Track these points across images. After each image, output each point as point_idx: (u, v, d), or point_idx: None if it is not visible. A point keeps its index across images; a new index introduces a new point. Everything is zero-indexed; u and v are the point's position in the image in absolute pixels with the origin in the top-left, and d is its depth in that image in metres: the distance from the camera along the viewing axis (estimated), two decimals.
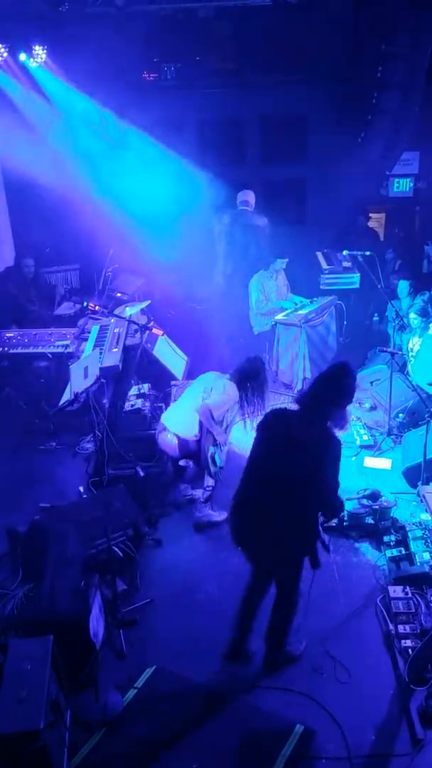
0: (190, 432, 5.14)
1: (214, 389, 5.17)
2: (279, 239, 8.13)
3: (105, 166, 8.93)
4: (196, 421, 5.11)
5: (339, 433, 3.65)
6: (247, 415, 5.25)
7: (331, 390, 3.65)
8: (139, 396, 6.28)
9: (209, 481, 5.37)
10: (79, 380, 5.36)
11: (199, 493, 5.44)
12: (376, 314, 8.43)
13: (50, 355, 6.73)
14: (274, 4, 7.22)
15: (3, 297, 7.66)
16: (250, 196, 8.57)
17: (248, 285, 7.65)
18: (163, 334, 6.75)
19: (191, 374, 6.49)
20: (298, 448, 3.57)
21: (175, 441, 5.19)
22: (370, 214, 10.14)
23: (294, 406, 3.74)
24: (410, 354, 6.74)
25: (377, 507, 5.18)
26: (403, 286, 7.64)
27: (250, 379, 5.17)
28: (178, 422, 5.21)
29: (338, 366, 3.80)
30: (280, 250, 7.65)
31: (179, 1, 7.73)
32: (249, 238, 8.40)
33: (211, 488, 5.39)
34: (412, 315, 6.83)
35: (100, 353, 5.97)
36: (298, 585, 3.93)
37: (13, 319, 7.51)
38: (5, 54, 7.45)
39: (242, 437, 6.58)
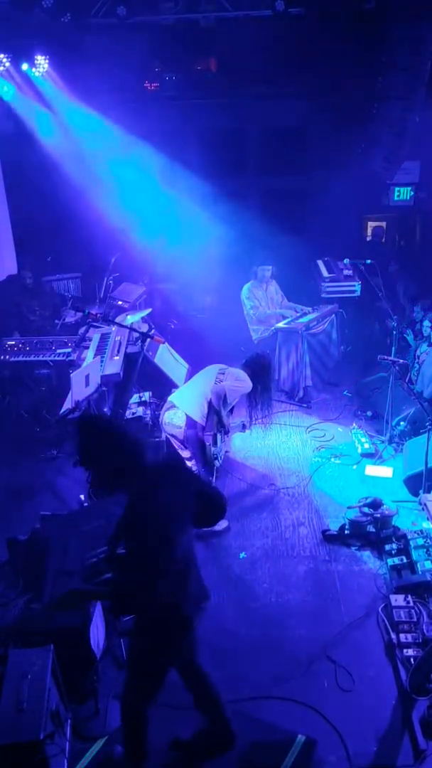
0: (199, 414, 5.10)
1: (229, 374, 5.22)
2: (279, 249, 8.15)
3: (107, 174, 8.98)
4: (205, 405, 5.10)
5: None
6: (254, 416, 5.34)
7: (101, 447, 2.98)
8: (140, 404, 6.28)
9: None
10: (81, 388, 5.37)
11: None
12: (377, 322, 8.44)
13: (51, 363, 6.74)
14: (275, 15, 7.24)
15: (5, 305, 7.67)
16: None
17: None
18: (164, 342, 6.75)
19: None
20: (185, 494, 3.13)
21: (183, 420, 5.14)
22: (371, 223, 10.17)
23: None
24: (416, 362, 6.77)
25: (378, 515, 5.17)
26: (418, 311, 7.63)
27: (261, 374, 5.30)
28: (188, 402, 5.17)
29: (81, 422, 3.15)
30: (275, 257, 7.67)
31: (181, 11, 7.76)
32: None
33: None
34: (426, 323, 6.88)
35: (102, 361, 5.98)
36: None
37: (15, 326, 7.52)
38: (8, 64, 7.50)
39: (243, 446, 6.61)
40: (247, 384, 5.18)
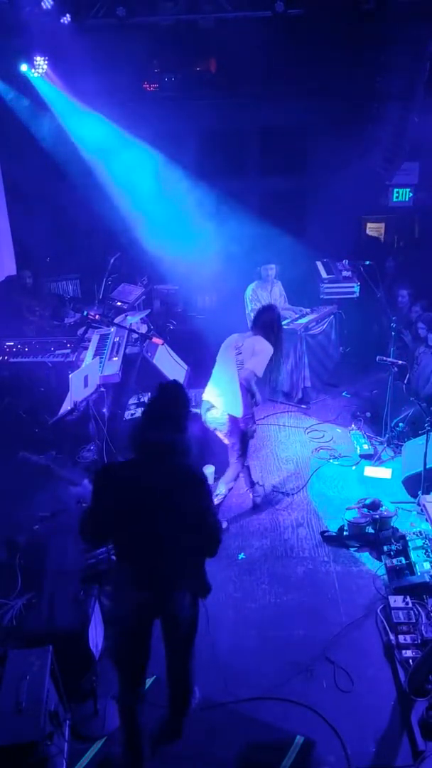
0: (240, 410, 5.15)
1: (246, 350, 5.18)
2: (278, 249, 8.16)
3: (106, 175, 8.98)
4: (242, 398, 5.13)
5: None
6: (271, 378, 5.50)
7: (172, 414, 3.17)
8: (139, 405, 6.28)
9: (219, 489, 5.43)
10: (79, 389, 5.35)
11: None
12: (376, 324, 8.44)
13: (50, 364, 6.73)
14: (275, 16, 7.25)
15: (5, 305, 7.66)
16: None
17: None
18: (163, 343, 6.75)
19: (191, 383, 6.49)
20: (181, 501, 3.12)
21: (226, 418, 5.23)
22: (370, 224, 10.18)
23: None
24: (415, 363, 6.78)
25: (377, 516, 5.18)
26: (402, 296, 7.67)
27: (273, 329, 5.27)
28: (226, 402, 5.22)
29: (163, 388, 3.29)
30: (275, 258, 7.67)
31: (180, 12, 7.77)
32: None
33: (222, 497, 5.45)
34: (421, 325, 6.88)
35: (100, 362, 5.96)
36: None
37: (14, 327, 7.50)
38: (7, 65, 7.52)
39: None
40: (266, 347, 5.17)
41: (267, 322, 5.28)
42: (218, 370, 5.36)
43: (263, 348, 5.15)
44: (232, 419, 5.22)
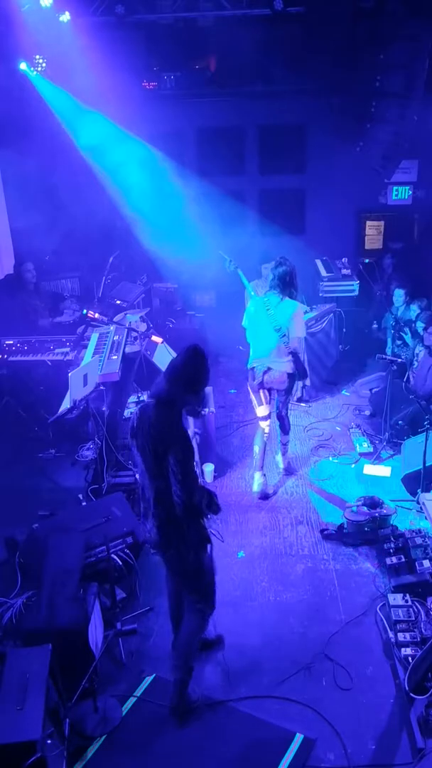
0: (293, 368, 5.65)
1: (278, 318, 5.48)
2: (277, 248, 8.15)
3: (105, 173, 8.98)
4: (286, 351, 5.56)
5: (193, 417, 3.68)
6: None
7: (183, 375, 3.46)
8: (138, 403, 6.28)
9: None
10: (79, 388, 5.36)
11: None
12: (375, 322, 8.45)
13: (50, 363, 6.72)
14: (273, 14, 7.25)
15: (5, 304, 7.64)
16: None
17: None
18: (162, 342, 6.76)
19: None
20: (158, 444, 3.46)
21: (285, 376, 5.66)
22: (369, 222, 10.17)
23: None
24: (415, 360, 6.78)
25: (377, 514, 5.18)
26: (398, 294, 7.67)
27: (293, 281, 5.56)
28: (281, 362, 5.61)
29: (186, 349, 3.55)
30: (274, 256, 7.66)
31: (179, 10, 7.78)
32: None
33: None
34: (419, 323, 6.88)
35: (100, 361, 5.96)
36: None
37: (15, 325, 7.49)
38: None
39: (241, 444, 6.61)
40: (297, 309, 5.54)
41: (283, 276, 5.50)
42: (262, 341, 5.62)
43: (295, 311, 5.50)
44: (290, 375, 5.68)
